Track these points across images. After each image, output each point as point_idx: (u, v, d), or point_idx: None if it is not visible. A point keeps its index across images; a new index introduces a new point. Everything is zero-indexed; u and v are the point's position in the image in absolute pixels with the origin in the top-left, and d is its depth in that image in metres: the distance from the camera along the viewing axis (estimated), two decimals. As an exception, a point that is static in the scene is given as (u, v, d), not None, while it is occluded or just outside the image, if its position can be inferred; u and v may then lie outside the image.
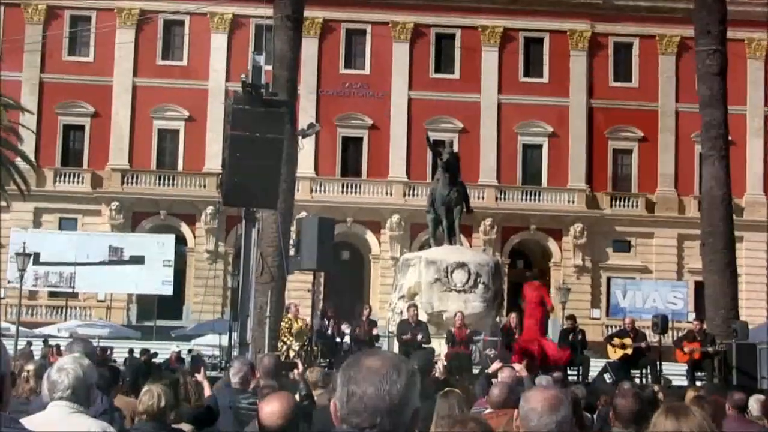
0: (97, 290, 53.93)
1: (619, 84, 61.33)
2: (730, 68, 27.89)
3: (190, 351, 39.18)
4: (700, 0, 27.44)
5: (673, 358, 25.92)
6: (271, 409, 6.04)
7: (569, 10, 60.25)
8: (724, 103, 27.03)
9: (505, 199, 59.16)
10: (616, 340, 24.11)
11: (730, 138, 27.94)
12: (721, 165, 26.70)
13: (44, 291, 54.06)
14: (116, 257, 51.31)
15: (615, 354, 23.87)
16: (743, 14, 54.57)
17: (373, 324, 24.81)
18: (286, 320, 22.86)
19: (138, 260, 51.10)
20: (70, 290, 51.84)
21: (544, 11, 59.89)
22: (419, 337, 22.85)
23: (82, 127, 59.04)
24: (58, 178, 57.99)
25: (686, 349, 23.99)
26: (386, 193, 58.66)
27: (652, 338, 27.50)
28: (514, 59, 60.56)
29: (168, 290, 51.67)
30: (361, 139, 60.01)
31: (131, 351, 34.84)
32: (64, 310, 53.68)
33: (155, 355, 33.80)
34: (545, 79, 60.95)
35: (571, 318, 25.87)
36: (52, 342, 34.33)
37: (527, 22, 60.35)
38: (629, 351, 23.53)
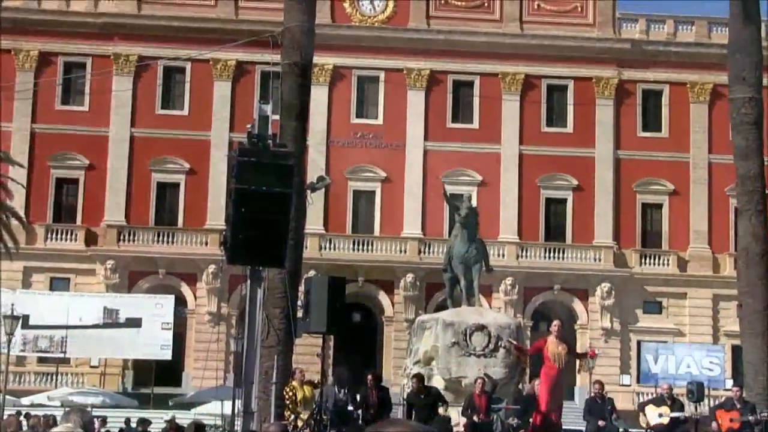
0: (91, 355, 53.76)
1: (648, 134, 61.39)
2: (766, 117, 27.94)
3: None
4: (734, 44, 27.52)
5: (710, 429, 25.74)
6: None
7: (595, 56, 60.47)
8: (760, 154, 27.01)
9: (526, 256, 59.08)
10: (652, 408, 23.95)
11: (767, 191, 27.93)
12: (758, 220, 26.65)
13: (33, 356, 53.98)
14: (111, 320, 51.38)
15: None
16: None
17: (384, 390, 24.68)
18: (289, 388, 22.61)
19: (135, 323, 51.16)
20: (61, 355, 51.85)
21: (568, 57, 60.08)
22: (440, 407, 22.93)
23: (75, 181, 59.16)
24: (49, 235, 57.98)
25: (726, 416, 23.83)
26: (400, 251, 58.60)
27: (689, 407, 27.34)
28: (536, 108, 60.68)
29: (167, 355, 51.66)
30: (373, 192, 60.07)
31: (128, 421, 34.69)
32: (54, 377, 53.50)
33: (150, 423, 33.67)
34: (569, 128, 61.06)
35: (599, 383, 25.69)
36: (42, 411, 34.27)
37: (550, 69, 60.52)
38: (665, 421, 23.36)
